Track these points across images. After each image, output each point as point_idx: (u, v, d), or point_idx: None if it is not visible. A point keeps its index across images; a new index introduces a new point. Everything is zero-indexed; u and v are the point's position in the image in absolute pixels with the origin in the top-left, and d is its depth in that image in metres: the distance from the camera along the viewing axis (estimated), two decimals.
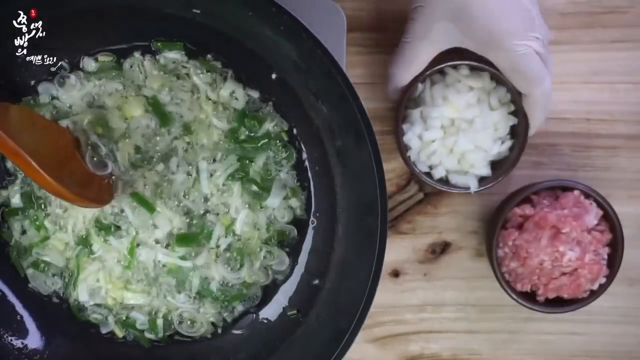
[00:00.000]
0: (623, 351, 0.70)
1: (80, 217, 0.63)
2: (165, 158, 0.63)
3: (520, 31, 0.59)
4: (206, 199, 0.63)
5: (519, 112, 0.64)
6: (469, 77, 0.65)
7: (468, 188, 0.65)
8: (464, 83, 0.65)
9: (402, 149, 0.64)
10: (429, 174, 0.66)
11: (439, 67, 0.64)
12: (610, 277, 0.64)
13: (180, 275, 0.64)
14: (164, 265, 0.64)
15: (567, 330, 0.69)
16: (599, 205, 0.64)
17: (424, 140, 0.65)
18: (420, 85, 0.65)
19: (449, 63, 0.64)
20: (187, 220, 0.63)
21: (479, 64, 0.63)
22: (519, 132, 0.65)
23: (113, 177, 0.62)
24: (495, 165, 0.66)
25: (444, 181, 0.66)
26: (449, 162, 0.66)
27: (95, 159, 0.61)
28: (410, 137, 0.65)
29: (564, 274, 0.63)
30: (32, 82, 0.63)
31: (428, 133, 0.65)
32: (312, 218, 0.64)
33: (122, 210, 0.63)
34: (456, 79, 0.65)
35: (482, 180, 0.66)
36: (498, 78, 0.64)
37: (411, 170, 0.65)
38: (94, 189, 0.60)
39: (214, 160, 0.63)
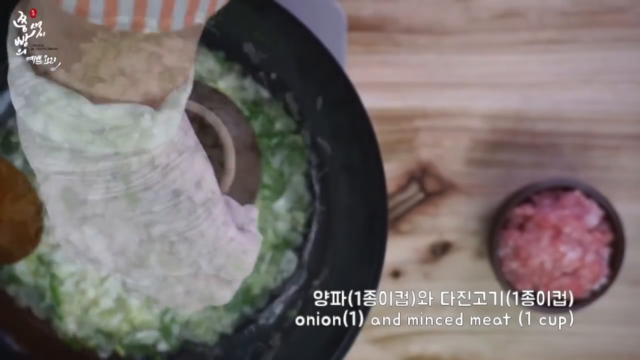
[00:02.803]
0: (624, 352, 0.70)
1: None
2: None
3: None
4: None
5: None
6: None
7: None
8: None
9: None
10: None
11: None
12: (611, 278, 0.64)
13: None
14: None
15: (568, 331, 0.69)
16: (601, 206, 0.63)
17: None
18: None
19: None
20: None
21: None
22: None
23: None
24: None
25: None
26: None
27: None
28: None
29: (565, 274, 0.63)
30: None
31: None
32: (313, 220, 0.64)
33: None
34: None
35: None
36: None
37: None
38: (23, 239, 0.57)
39: None
